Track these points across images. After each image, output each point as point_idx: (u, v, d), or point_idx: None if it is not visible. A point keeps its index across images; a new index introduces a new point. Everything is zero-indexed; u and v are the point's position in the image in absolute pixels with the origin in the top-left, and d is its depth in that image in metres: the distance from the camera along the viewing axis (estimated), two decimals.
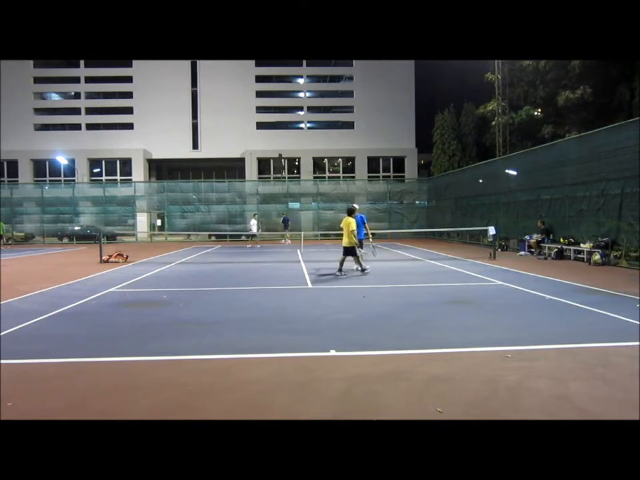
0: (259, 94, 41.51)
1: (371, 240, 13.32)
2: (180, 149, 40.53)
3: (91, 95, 41.87)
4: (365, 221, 12.67)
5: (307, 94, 43.31)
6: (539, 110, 30.14)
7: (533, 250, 16.18)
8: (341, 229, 11.19)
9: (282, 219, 25.52)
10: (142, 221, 33.04)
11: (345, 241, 10.99)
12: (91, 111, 41.50)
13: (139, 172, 39.49)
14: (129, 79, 40.72)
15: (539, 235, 15.96)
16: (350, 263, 11.52)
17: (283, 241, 25.14)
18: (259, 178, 38.95)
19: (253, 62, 40.62)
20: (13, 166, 39.14)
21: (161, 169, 44.63)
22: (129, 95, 40.82)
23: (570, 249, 14.56)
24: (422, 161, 44.76)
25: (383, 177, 39.73)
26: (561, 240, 15.13)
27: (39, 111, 41.18)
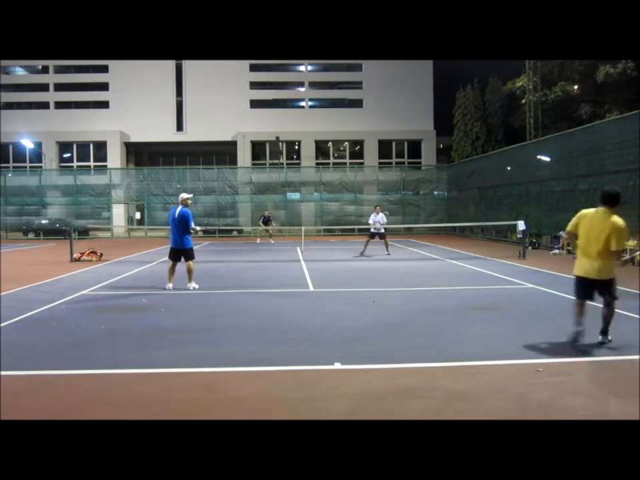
0: (253, 67, 41.48)
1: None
2: (162, 131, 40.56)
3: (60, 69, 41.92)
4: None
5: (309, 67, 43.25)
6: (576, 87, 30.00)
7: (569, 249, 16.13)
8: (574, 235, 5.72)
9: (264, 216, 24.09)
10: (118, 213, 33.15)
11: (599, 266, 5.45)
12: (60, 87, 41.55)
13: (115, 157, 39.56)
14: None
15: None
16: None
17: (259, 238, 24.15)
18: (253, 164, 38.99)
19: None
20: None
21: (140, 154, 44.70)
22: (103, 68, 40.84)
23: None
24: (441, 145, 44.71)
25: (396, 163, 39.73)
26: None
27: (1, 87, 41.26)
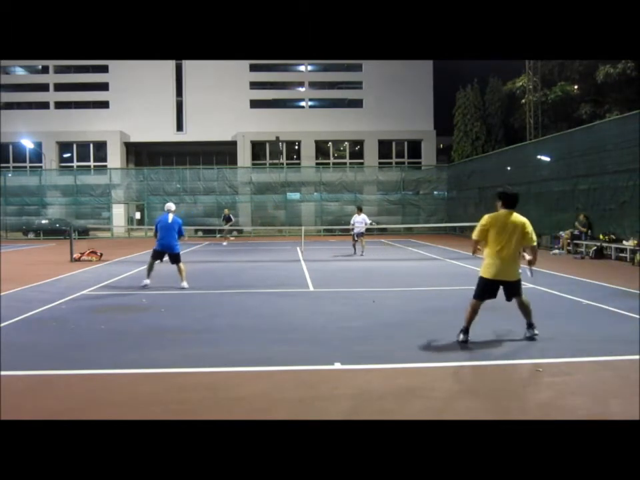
0: (253, 67, 41.45)
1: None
2: (162, 131, 40.53)
3: (60, 69, 41.91)
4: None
5: (309, 67, 43.24)
6: (576, 87, 30.00)
7: (569, 249, 16.14)
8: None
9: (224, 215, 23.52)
10: (118, 213, 33.17)
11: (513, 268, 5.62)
12: (60, 87, 41.53)
13: (115, 157, 39.54)
14: None
15: (581, 229, 15.85)
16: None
17: (225, 241, 23.40)
18: (253, 164, 38.97)
19: None
20: None
21: (140, 154, 44.69)
22: (103, 68, 40.82)
23: (611, 247, 14.53)
24: (441, 145, 44.71)
25: (396, 163, 39.72)
26: (601, 236, 15.10)
27: (1, 87, 41.24)
